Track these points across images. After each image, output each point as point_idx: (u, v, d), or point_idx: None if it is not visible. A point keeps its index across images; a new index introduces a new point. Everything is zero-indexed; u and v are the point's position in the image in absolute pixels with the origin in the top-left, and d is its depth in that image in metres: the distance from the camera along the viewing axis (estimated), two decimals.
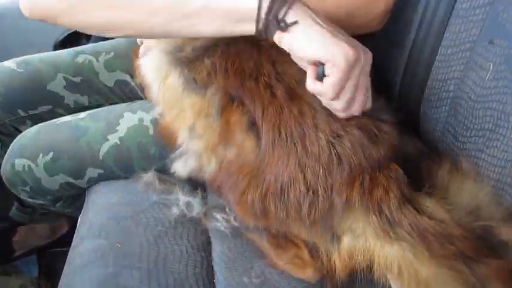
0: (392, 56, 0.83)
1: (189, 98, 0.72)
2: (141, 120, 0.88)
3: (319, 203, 0.62)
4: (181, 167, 0.79)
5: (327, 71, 0.56)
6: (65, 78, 0.99)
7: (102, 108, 0.95)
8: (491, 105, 0.67)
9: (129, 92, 1.05)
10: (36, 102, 0.99)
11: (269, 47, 0.68)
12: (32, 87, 0.97)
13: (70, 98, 1.01)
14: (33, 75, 0.98)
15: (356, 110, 0.61)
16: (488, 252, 0.59)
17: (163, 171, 0.86)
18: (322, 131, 0.62)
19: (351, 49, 0.55)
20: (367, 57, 0.59)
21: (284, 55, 0.62)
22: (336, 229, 0.65)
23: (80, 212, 0.89)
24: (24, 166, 0.85)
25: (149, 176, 0.85)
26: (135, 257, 0.70)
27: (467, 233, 0.59)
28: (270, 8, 0.56)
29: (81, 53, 1.02)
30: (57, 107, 1.00)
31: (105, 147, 0.86)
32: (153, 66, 0.79)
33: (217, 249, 0.75)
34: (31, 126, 0.93)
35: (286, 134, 0.63)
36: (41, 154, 0.85)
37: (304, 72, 0.60)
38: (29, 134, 0.89)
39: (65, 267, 0.72)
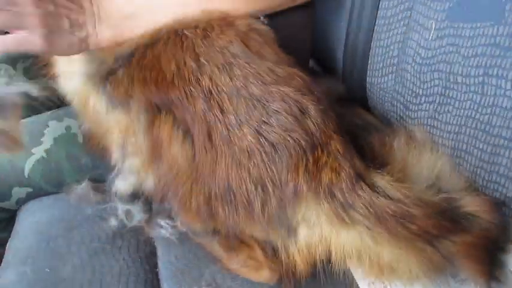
0: (332, 24, 0.77)
1: (113, 115, 0.65)
2: (68, 128, 0.80)
3: (271, 198, 0.56)
4: (122, 186, 0.72)
5: None
6: None
7: (24, 119, 0.85)
8: (438, 66, 0.61)
9: (57, 100, 0.95)
10: None
11: (194, 37, 0.61)
12: None
13: None
14: None
15: None
16: (453, 227, 0.54)
17: (99, 181, 0.78)
18: (246, 125, 0.56)
19: None
20: None
21: (208, 40, 0.59)
22: (290, 222, 0.58)
23: None
24: None
25: (82, 187, 0.77)
26: (67, 281, 0.62)
27: (429, 210, 0.54)
28: None
29: None
30: None
31: (30, 163, 0.77)
32: (70, 90, 0.71)
33: (163, 259, 0.68)
34: None
35: (215, 138, 0.57)
36: None
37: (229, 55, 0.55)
38: None
39: None
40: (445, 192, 0.57)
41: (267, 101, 0.56)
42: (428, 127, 0.64)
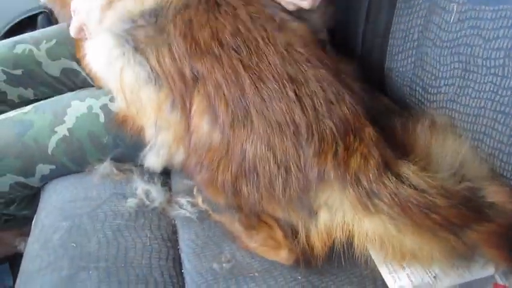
0: (352, 7, 0.77)
1: (145, 92, 0.67)
2: (90, 108, 0.81)
3: (293, 180, 0.56)
4: (154, 160, 0.75)
5: None
6: (4, 71, 0.91)
7: (48, 99, 0.87)
8: (459, 49, 0.62)
9: (79, 81, 0.97)
10: None
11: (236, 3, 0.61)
12: None
13: (13, 93, 0.93)
14: None
15: None
16: (475, 216, 0.54)
17: (120, 160, 0.80)
18: (278, 101, 0.55)
19: None
20: None
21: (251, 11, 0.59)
22: (312, 205, 0.59)
23: None
24: None
25: (105, 166, 0.79)
26: (92, 255, 0.64)
27: (452, 200, 0.54)
28: None
29: (19, 43, 0.94)
30: (0, 104, 0.92)
31: (53, 141, 0.79)
32: (103, 61, 0.73)
33: (184, 237, 0.70)
34: None
35: (244, 110, 0.57)
36: None
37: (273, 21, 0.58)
38: None
39: (18, 276, 0.66)
40: (468, 181, 0.57)
41: (303, 82, 0.56)
42: (448, 110, 0.65)
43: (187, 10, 0.61)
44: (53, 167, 0.81)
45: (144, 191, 0.76)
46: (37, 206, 0.85)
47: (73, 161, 0.81)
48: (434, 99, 0.67)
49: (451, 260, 0.56)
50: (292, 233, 0.62)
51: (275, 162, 0.56)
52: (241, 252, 0.66)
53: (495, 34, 0.57)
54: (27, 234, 1.17)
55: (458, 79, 0.62)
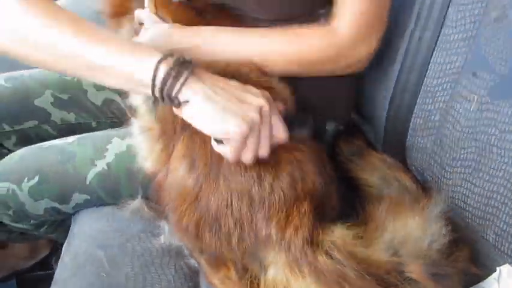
0: (378, 83, 0.84)
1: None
2: (129, 146, 0.88)
3: (246, 237, 0.66)
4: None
5: (224, 141, 0.61)
6: (52, 95, 0.99)
7: (91, 133, 0.94)
8: (477, 136, 0.68)
9: (117, 112, 1.05)
10: (23, 117, 0.99)
11: None
12: (19, 102, 0.98)
13: (57, 115, 1.01)
14: (21, 90, 0.98)
15: (250, 158, 0.63)
16: None
17: (151, 199, 0.86)
18: (246, 176, 0.65)
19: (242, 122, 0.59)
20: (265, 111, 0.61)
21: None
22: (262, 260, 0.68)
23: (65, 238, 0.88)
24: (8, 190, 0.84)
25: (136, 203, 0.84)
26: (121, 287, 0.69)
27: (365, 273, 0.61)
28: (162, 86, 0.58)
29: None
30: (44, 123, 1.00)
31: (92, 173, 0.85)
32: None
33: (205, 280, 0.75)
34: (15, 142, 0.95)
35: (216, 172, 0.66)
36: (26, 178, 0.84)
37: None
38: (15, 157, 0.88)
39: None
40: (398, 257, 0.65)
41: (273, 165, 0.66)
42: (462, 188, 0.70)
43: None
44: (88, 197, 0.86)
45: (169, 230, 0.81)
46: (63, 231, 0.90)
47: (107, 194, 0.86)
48: (450, 177, 0.72)
49: None
50: (247, 276, 0.70)
51: (232, 218, 0.66)
52: None
53: (511, 128, 0.63)
54: (37, 250, 1.21)
55: (473, 162, 0.68)
